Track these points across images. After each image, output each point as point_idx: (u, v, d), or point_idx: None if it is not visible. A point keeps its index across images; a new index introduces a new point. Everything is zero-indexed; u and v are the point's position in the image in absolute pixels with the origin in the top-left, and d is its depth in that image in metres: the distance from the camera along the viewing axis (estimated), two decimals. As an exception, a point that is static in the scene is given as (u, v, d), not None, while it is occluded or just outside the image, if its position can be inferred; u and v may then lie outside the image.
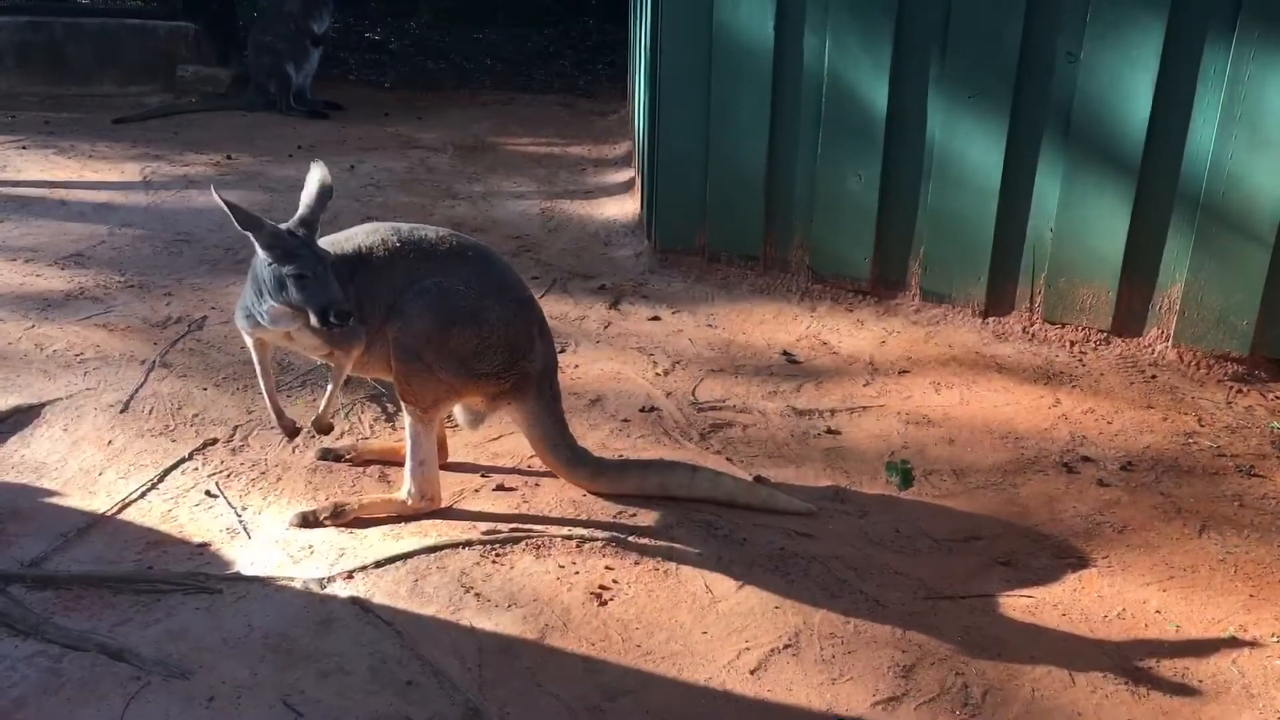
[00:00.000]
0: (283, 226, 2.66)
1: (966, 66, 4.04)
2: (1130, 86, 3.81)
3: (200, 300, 4.29)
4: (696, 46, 4.45)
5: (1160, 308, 4.00)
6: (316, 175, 2.80)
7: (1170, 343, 4.00)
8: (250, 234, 2.61)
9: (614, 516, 2.97)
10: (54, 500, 2.98)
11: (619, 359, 3.97)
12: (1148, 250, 3.95)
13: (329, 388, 2.91)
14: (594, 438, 3.36)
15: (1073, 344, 4.14)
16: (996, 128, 4.05)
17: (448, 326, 2.79)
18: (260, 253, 2.64)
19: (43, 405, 3.43)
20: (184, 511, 2.95)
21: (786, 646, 2.51)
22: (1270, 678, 2.46)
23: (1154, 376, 3.94)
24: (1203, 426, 3.60)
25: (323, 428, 2.98)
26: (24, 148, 6.37)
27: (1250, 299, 3.83)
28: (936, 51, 4.08)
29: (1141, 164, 3.86)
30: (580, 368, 3.89)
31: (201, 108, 7.52)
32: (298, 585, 2.64)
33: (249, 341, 2.91)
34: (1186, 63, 3.74)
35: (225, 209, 2.55)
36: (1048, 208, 4.06)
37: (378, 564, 2.72)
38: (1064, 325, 4.16)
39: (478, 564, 2.74)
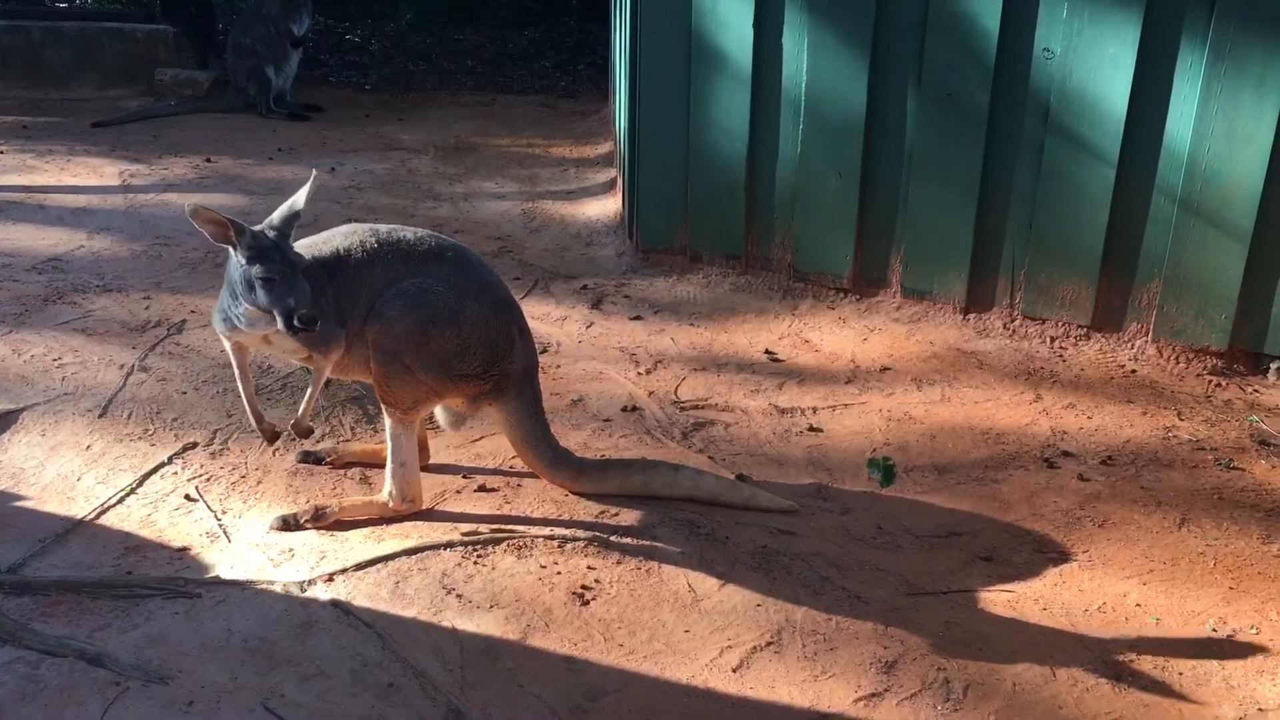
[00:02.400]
0: (256, 228, 2.64)
1: (945, 63, 4.05)
2: (1107, 82, 3.83)
3: (179, 304, 4.27)
4: (676, 46, 4.45)
5: (1139, 302, 4.02)
6: (305, 187, 2.78)
7: (1149, 337, 4.02)
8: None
9: (596, 516, 2.97)
10: (31, 505, 2.96)
11: (601, 359, 3.97)
12: (1126, 245, 3.97)
13: (309, 391, 2.89)
14: (576, 438, 3.35)
15: (1053, 339, 4.15)
16: (975, 124, 4.06)
17: (427, 328, 2.78)
18: (233, 255, 2.63)
19: (20, 410, 3.41)
20: (163, 516, 2.93)
21: (769, 644, 2.52)
22: (1249, 669, 2.47)
23: (1134, 371, 3.96)
24: (1182, 420, 3.62)
25: (302, 431, 2.97)
26: (1, 152, 6.32)
27: (1228, 293, 3.85)
28: (915, 49, 4.09)
29: (1119, 159, 3.88)
30: (562, 368, 3.88)
31: (181, 111, 7.47)
32: (278, 589, 2.63)
33: (227, 345, 2.89)
34: (1163, 57, 3.76)
35: (202, 227, 2.57)
36: (1027, 204, 4.07)
37: (359, 566, 2.71)
38: (1044, 321, 4.18)
39: (459, 565, 2.73)
